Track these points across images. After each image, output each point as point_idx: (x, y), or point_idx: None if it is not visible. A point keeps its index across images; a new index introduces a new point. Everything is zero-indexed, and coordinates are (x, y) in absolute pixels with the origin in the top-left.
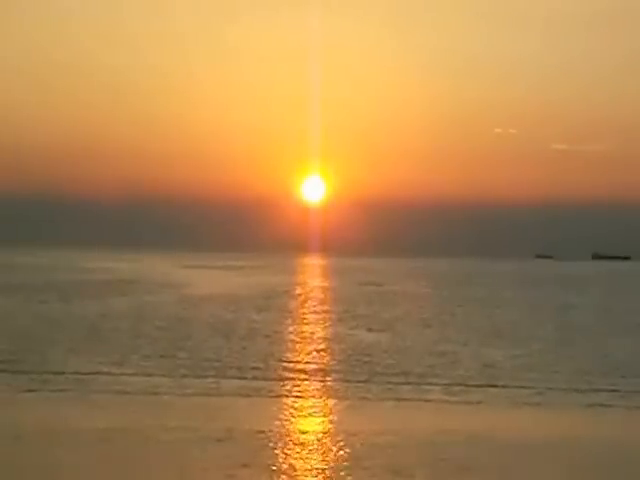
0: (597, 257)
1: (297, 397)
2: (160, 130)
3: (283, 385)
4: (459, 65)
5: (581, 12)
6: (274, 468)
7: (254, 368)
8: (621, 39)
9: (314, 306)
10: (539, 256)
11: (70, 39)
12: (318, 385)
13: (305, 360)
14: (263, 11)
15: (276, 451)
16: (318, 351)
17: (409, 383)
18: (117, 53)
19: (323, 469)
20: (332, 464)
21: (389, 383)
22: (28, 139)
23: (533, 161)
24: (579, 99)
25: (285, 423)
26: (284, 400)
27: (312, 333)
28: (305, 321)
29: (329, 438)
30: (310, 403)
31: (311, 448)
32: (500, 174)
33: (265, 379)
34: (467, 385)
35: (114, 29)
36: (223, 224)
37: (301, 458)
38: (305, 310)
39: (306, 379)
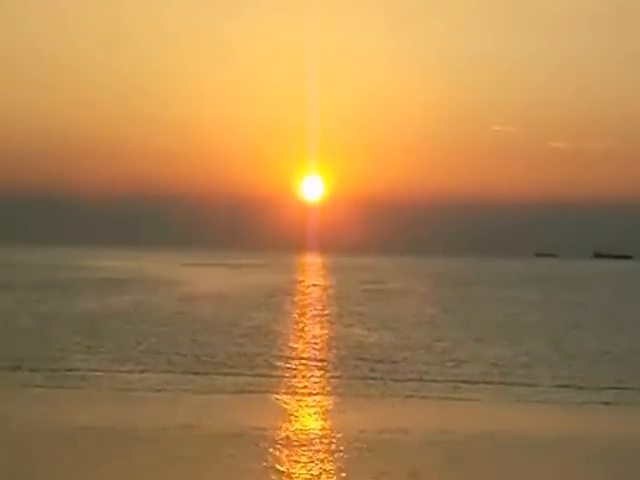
0: (598, 256)
1: (298, 394)
2: (159, 129)
3: (284, 383)
4: (457, 63)
5: (582, 11)
6: (276, 466)
7: (255, 366)
8: (621, 38)
9: (314, 304)
10: (539, 254)
11: (70, 39)
12: (319, 383)
13: (306, 358)
14: (262, 10)
15: (278, 449)
16: (319, 349)
17: (410, 380)
18: (116, 52)
19: (325, 467)
20: (334, 462)
21: (390, 380)
22: (28, 139)
23: (532, 159)
24: (579, 97)
25: (287, 421)
26: (285, 398)
27: (312, 331)
28: (305, 319)
29: (330, 436)
30: (311, 400)
31: (313, 446)
32: (499, 172)
33: (266, 376)
34: (469, 382)
35: (113, 29)
36: (222, 222)
37: (303, 456)
38: (305, 308)
39: (307, 377)
